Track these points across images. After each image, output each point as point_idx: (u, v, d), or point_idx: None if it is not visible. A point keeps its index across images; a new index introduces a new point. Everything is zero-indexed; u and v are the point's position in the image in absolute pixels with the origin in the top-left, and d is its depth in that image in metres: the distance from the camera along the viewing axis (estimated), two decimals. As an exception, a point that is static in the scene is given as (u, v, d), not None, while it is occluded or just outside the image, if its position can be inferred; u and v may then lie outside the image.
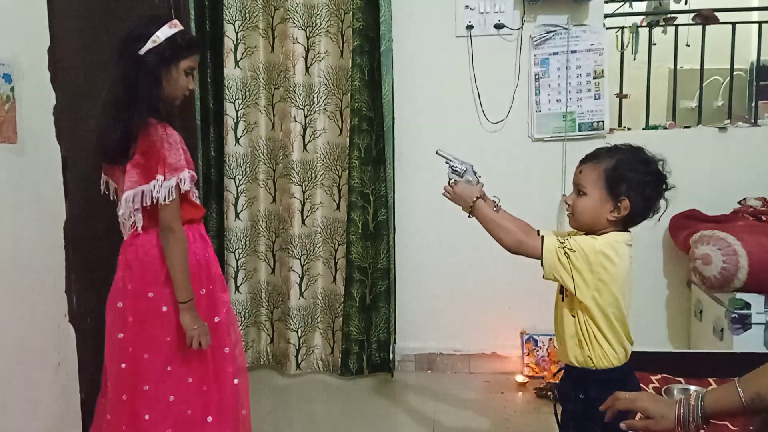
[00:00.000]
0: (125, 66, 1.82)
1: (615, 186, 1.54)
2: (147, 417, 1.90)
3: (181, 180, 1.82)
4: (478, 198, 1.72)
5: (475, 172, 1.81)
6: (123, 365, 1.92)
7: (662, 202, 1.57)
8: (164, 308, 1.88)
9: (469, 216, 1.75)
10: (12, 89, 1.95)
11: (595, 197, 1.56)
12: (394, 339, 3.19)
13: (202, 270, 1.95)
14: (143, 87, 1.80)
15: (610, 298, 1.54)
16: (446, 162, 1.83)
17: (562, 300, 1.63)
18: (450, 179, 1.81)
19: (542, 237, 1.59)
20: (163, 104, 1.88)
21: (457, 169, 1.81)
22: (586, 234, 1.61)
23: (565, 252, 1.53)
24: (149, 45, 1.80)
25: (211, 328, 1.93)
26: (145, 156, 1.81)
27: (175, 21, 1.87)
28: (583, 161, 1.62)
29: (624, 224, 1.58)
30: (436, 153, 1.85)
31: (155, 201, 1.80)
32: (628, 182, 1.53)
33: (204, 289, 1.96)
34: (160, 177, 1.79)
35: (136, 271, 1.89)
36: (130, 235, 1.91)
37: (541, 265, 1.58)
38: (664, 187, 1.56)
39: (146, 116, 1.81)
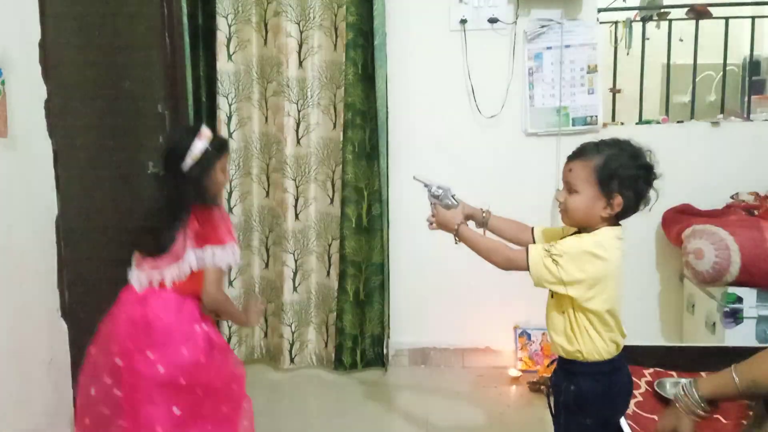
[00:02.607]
0: (172, 182, 2.01)
1: (607, 183, 1.54)
2: None
3: (234, 252, 1.99)
4: (460, 224, 1.73)
5: (453, 195, 1.81)
6: (106, 411, 1.93)
7: (652, 193, 1.57)
8: (161, 369, 1.92)
9: (456, 243, 1.75)
10: (2, 83, 1.94)
11: (588, 195, 1.56)
12: (388, 333, 3.20)
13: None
14: (193, 195, 1.99)
15: (603, 294, 1.55)
16: (424, 186, 1.82)
17: (552, 297, 1.64)
18: (430, 203, 1.81)
19: (527, 249, 1.59)
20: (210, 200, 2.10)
21: (435, 193, 1.80)
22: (579, 230, 1.62)
23: (553, 259, 1.53)
24: (189, 161, 1.99)
25: (211, 392, 1.99)
26: (203, 226, 1.97)
27: (204, 130, 2.05)
28: (571, 158, 1.61)
29: (616, 219, 1.58)
30: (413, 178, 1.85)
31: (204, 266, 1.94)
32: (620, 178, 1.53)
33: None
34: (223, 245, 1.96)
35: (140, 330, 1.94)
36: (141, 293, 1.97)
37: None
38: (654, 179, 1.56)
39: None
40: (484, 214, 1.83)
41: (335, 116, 3.15)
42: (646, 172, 1.54)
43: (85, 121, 2.42)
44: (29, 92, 2.10)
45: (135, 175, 2.80)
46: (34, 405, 2.10)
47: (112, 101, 2.61)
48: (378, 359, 3.21)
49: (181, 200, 1.98)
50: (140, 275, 1.97)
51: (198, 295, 1.99)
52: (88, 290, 2.40)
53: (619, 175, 1.53)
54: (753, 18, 3.58)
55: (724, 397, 1.30)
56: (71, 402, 2.28)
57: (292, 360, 3.23)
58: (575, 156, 1.61)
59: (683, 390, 1.34)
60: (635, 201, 1.55)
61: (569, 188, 1.60)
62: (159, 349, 1.93)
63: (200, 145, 2.01)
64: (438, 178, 1.83)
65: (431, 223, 1.81)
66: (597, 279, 1.53)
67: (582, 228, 1.62)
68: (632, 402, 1.85)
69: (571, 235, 1.64)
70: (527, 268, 1.58)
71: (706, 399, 1.28)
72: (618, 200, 1.53)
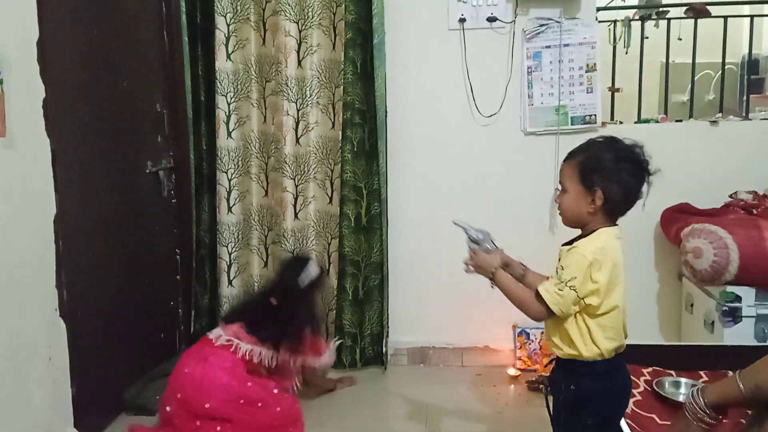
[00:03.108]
0: (298, 299, 2.48)
1: (588, 178, 1.55)
2: None
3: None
4: (497, 268, 1.72)
5: (492, 240, 1.79)
6: None
7: (646, 188, 1.57)
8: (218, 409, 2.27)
9: (492, 286, 1.74)
10: (1, 82, 1.94)
11: (574, 192, 1.58)
12: (387, 332, 3.20)
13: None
14: (306, 311, 2.51)
15: (614, 295, 1.57)
16: (464, 231, 1.80)
17: None
18: (469, 248, 1.79)
19: (537, 292, 1.58)
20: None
21: (475, 237, 1.78)
22: (582, 233, 1.62)
23: (569, 287, 1.54)
24: (306, 279, 2.51)
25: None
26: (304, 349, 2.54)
27: (309, 259, 2.67)
28: (564, 160, 1.64)
29: (609, 215, 1.58)
30: (453, 223, 1.81)
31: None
32: (600, 172, 1.54)
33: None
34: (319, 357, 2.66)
35: (196, 385, 2.27)
36: (213, 348, 2.33)
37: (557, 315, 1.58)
38: (644, 172, 1.56)
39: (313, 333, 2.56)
40: (522, 269, 1.81)
41: (334, 115, 3.15)
42: (632, 166, 1.55)
43: (84, 120, 2.42)
44: (27, 91, 2.09)
45: (133, 174, 2.80)
46: (33, 403, 2.10)
47: (111, 100, 2.61)
48: (377, 358, 3.21)
49: (303, 316, 2.45)
50: (223, 335, 2.35)
51: (248, 367, 2.35)
52: (86, 290, 2.40)
53: (600, 169, 1.55)
54: (752, 17, 3.59)
55: (730, 403, 1.31)
56: (70, 400, 2.28)
57: (291, 359, 3.23)
58: (567, 157, 1.64)
59: (691, 398, 1.35)
60: (622, 195, 1.55)
61: (562, 188, 1.62)
62: (215, 401, 2.25)
63: (314, 266, 2.54)
64: (476, 223, 1.81)
65: (468, 267, 1.79)
66: (605, 284, 1.54)
67: (581, 227, 1.63)
68: (631, 401, 1.86)
69: (574, 239, 1.63)
70: (554, 313, 1.57)
71: (712, 406, 1.29)
72: (599, 194, 1.54)
